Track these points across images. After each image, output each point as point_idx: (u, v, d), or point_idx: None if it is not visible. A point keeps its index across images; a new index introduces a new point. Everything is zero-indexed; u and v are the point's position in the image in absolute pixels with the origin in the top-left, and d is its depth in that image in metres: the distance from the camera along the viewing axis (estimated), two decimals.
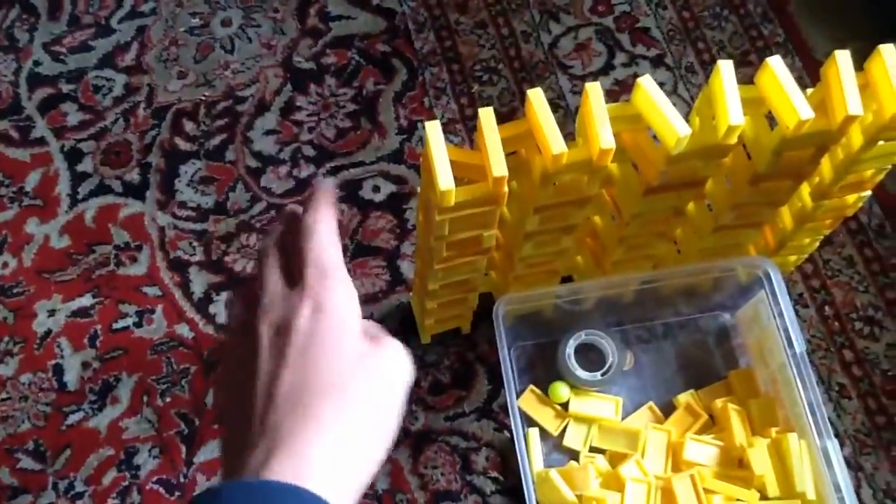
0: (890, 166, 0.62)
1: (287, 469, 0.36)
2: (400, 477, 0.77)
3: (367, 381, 0.40)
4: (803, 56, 0.94)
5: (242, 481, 0.36)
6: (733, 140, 0.54)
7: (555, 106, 0.93)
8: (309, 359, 0.39)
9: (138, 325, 0.84)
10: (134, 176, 0.91)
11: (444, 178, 0.50)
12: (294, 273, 0.42)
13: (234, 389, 0.41)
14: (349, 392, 0.39)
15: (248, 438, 0.38)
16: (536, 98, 0.53)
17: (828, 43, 0.95)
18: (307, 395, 0.38)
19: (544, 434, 0.77)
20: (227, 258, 0.87)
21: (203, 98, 0.95)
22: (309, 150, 0.92)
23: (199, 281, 0.86)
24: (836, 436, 0.75)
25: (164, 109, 0.95)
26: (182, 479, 0.78)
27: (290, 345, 0.39)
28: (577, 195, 0.59)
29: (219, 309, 0.85)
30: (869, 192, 0.66)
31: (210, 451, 0.79)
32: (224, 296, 0.85)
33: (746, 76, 0.94)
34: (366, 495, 0.76)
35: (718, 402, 0.75)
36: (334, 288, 0.42)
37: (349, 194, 0.89)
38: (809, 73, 0.93)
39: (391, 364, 0.42)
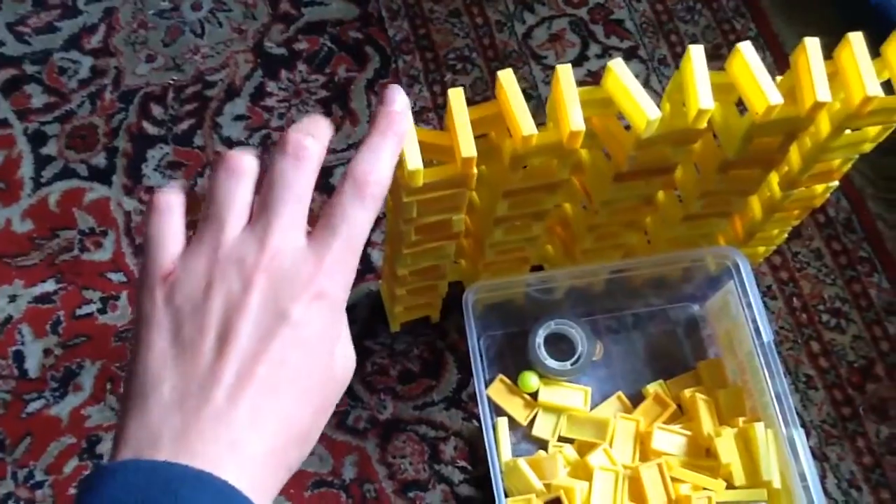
0: (857, 156, 0.62)
1: (229, 466, 0.33)
2: (368, 466, 0.76)
3: (332, 388, 0.38)
4: (774, 51, 0.95)
5: (194, 469, 0.32)
6: (703, 124, 0.54)
7: (527, 95, 0.92)
8: (291, 359, 0.35)
9: (102, 311, 0.82)
10: (100, 160, 0.89)
11: (412, 158, 0.50)
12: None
13: (182, 342, 0.35)
14: (313, 399, 0.37)
15: (192, 417, 0.33)
16: (507, 79, 0.53)
17: (798, 38, 0.94)
18: (277, 393, 0.35)
19: (513, 423, 0.76)
20: None
21: (171, 82, 0.94)
22: (279, 137, 0.90)
23: None
24: (803, 426, 0.76)
25: (131, 93, 0.93)
26: None
27: (281, 334, 0.35)
28: (547, 180, 0.58)
29: None
30: (836, 183, 0.66)
31: None
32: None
33: (718, 69, 0.94)
34: (332, 484, 0.75)
35: (687, 392, 0.75)
36: (348, 266, 0.38)
37: (320, 181, 0.88)
38: (779, 67, 0.93)
39: (350, 368, 0.40)
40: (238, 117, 0.92)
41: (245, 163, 0.39)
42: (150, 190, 0.88)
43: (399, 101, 0.42)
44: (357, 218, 0.38)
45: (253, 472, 0.34)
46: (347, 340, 0.40)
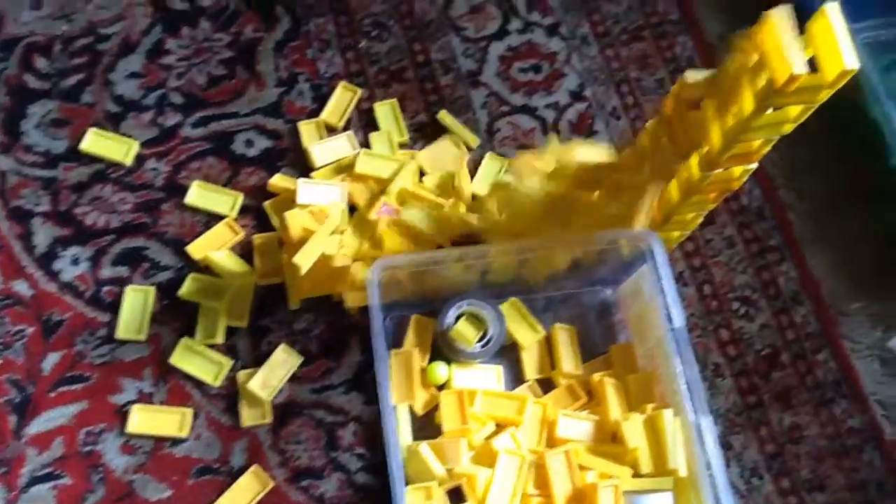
0: (777, 137, 0.61)
1: None
2: (259, 452, 0.71)
3: None
4: (695, 36, 0.93)
5: None
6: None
7: (446, 67, 0.89)
8: None
9: None
10: None
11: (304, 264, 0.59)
12: None
13: None
14: None
15: None
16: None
17: (719, 24, 0.94)
18: None
19: None
20: (77, 210, 0.79)
21: (60, 33, 0.86)
22: (177, 97, 0.84)
23: (44, 233, 0.78)
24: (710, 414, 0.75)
25: (12, 42, 0.85)
26: (9, 454, 0.69)
27: None
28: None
29: (64, 265, 0.77)
30: (755, 165, 0.65)
31: (45, 421, 0.71)
32: (72, 250, 0.77)
33: (639, 51, 0.93)
34: (218, 471, 0.70)
35: (596, 376, 0.73)
36: None
37: (219, 147, 0.82)
38: (700, 53, 0.92)
39: None
40: (133, 74, 0.85)
41: None
42: (30, 149, 0.80)
43: None
44: None
45: None
46: None
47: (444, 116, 0.85)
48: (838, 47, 0.50)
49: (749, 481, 0.75)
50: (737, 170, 0.64)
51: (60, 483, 0.69)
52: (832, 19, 0.50)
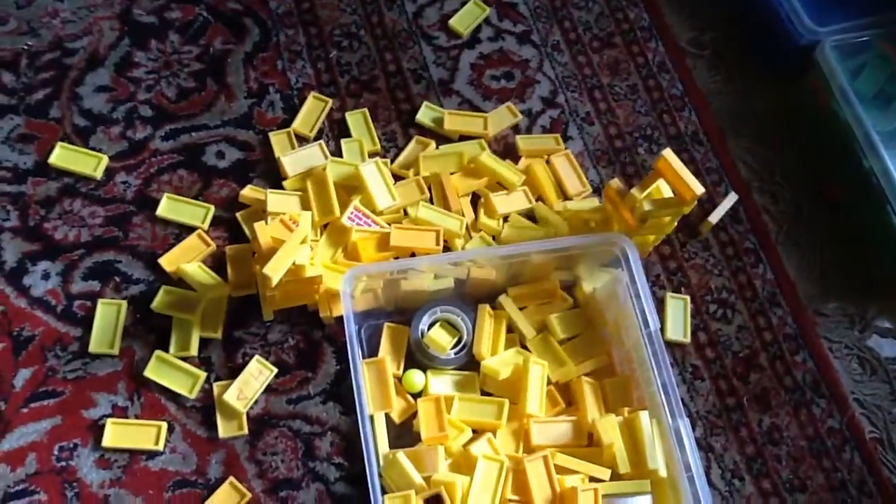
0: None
1: None
2: (235, 464, 0.70)
3: None
4: (666, 41, 0.94)
5: None
6: None
7: (418, 76, 0.89)
8: None
9: None
10: None
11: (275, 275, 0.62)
12: None
13: None
14: None
15: None
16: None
17: (688, 29, 0.95)
18: None
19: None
20: (46, 224, 0.78)
21: (25, 47, 0.85)
22: (146, 110, 0.84)
23: (13, 249, 0.76)
24: (689, 416, 0.75)
25: None
26: None
27: None
28: None
29: (34, 280, 0.75)
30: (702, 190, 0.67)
31: (18, 437, 0.70)
32: (42, 265, 0.76)
33: (611, 57, 0.93)
34: (195, 484, 0.69)
35: (573, 378, 0.72)
36: None
37: (190, 159, 0.82)
38: (672, 57, 0.93)
39: None
40: (101, 88, 0.84)
41: None
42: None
43: None
44: None
45: None
46: None
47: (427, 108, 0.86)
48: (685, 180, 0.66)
49: (730, 483, 0.75)
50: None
51: (34, 499, 0.68)
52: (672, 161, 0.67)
